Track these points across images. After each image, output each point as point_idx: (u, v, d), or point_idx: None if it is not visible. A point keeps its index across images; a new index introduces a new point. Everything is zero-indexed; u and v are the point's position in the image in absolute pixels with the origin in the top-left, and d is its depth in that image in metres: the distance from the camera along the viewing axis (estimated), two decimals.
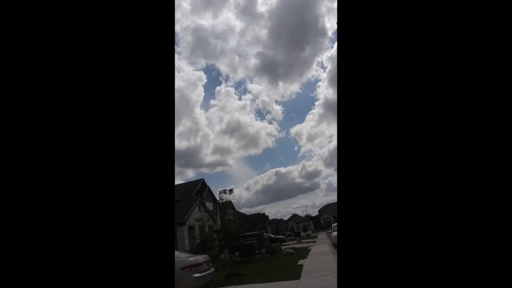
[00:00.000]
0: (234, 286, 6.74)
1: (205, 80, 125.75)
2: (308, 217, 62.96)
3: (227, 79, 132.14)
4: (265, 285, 6.55)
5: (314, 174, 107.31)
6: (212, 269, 6.87)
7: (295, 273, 7.44)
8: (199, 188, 25.39)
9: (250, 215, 40.25)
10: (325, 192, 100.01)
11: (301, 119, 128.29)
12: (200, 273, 6.03)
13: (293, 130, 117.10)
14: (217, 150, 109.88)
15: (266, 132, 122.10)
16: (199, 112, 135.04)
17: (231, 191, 9.99)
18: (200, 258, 6.59)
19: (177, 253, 6.87)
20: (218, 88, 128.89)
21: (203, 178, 27.21)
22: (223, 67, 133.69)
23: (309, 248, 15.64)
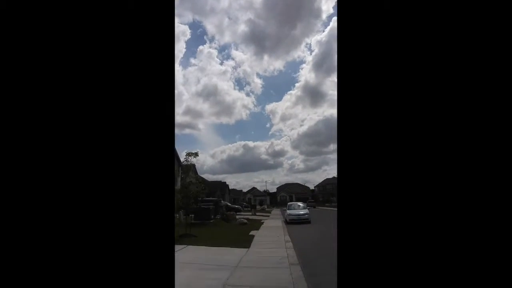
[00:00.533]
0: (185, 246, 6.90)
1: (188, 36, 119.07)
2: (266, 192, 65.19)
3: (212, 40, 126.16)
4: (215, 249, 6.78)
5: (280, 153, 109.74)
6: None
7: (245, 242, 7.77)
8: None
9: (211, 181, 40.61)
10: (286, 171, 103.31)
11: (279, 97, 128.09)
12: None
13: (269, 107, 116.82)
14: (189, 111, 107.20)
15: (242, 103, 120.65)
16: (176, 68, 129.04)
17: (196, 154, 9.97)
18: None
19: None
20: (201, 47, 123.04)
21: None
22: (210, 27, 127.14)
23: (263, 221, 16.32)
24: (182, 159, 11.15)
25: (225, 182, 47.72)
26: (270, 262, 5.41)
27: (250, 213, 24.75)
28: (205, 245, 7.12)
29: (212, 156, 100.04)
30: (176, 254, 5.94)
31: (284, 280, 4.16)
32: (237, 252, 6.41)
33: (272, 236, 9.60)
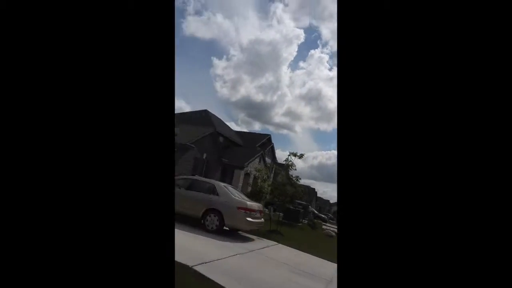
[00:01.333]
0: (276, 243, 7.00)
1: (302, 40, 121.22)
2: None
3: (325, 45, 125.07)
4: (305, 255, 6.64)
5: None
6: (262, 219, 7.16)
7: (332, 256, 7.33)
8: (264, 142, 26.05)
9: (300, 184, 40.62)
10: None
11: None
12: (252, 218, 6.34)
13: None
14: (289, 113, 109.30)
15: None
16: (285, 70, 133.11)
17: (301, 156, 9.95)
18: (255, 205, 6.88)
19: (236, 192, 7.29)
20: (312, 51, 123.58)
21: (270, 135, 27.71)
22: (325, 32, 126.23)
23: None
24: (284, 158, 11.33)
25: (314, 188, 46.89)
26: None
27: (336, 227, 23.58)
28: (295, 248, 7.06)
29: (303, 160, 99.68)
30: (267, 250, 6.10)
31: None
32: (329, 265, 6.12)
33: None
